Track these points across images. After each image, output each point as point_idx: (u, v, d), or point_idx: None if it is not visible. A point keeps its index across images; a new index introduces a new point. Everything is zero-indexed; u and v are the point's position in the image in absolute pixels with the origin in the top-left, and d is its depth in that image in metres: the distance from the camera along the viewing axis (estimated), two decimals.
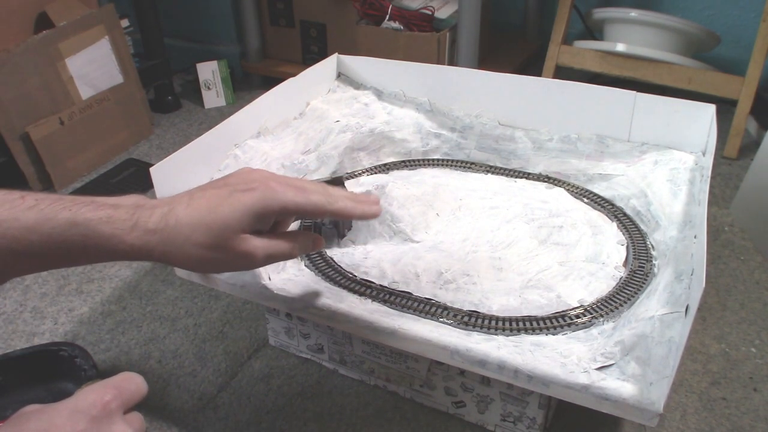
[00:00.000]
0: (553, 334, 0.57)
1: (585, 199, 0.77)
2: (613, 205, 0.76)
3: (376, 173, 0.85)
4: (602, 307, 0.59)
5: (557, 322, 0.58)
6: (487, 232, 0.71)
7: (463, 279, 0.64)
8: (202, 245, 0.46)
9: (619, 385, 0.49)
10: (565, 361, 0.52)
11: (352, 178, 0.83)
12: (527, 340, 0.56)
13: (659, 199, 0.71)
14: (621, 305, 0.59)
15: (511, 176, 0.84)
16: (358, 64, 0.95)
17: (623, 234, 0.70)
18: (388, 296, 0.61)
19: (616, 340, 0.53)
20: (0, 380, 0.67)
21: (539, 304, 0.60)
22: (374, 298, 0.61)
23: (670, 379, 0.47)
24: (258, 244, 0.48)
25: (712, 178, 0.66)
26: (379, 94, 0.93)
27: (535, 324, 0.58)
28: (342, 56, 0.96)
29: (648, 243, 0.68)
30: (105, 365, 0.75)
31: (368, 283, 0.63)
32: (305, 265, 0.67)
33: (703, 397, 0.68)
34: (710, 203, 0.96)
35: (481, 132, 0.87)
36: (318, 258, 0.68)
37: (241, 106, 0.79)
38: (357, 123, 0.86)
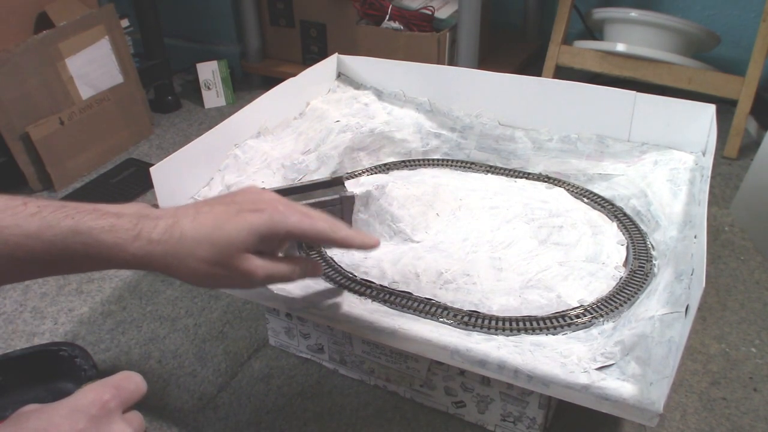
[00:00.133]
0: (553, 334, 0.57)
1: (585, 199, 0.77)
2: (613, 205, 0.76)
3: (376, 173, 0.85)
4: (602, 307, 0.59)
5: (557, 322, 0.58)
6: (487, 232, 0.71)
7: (463, 279, 0.64)
8: (205, 260, 0.46)
9: (619, 385, 0.49)
10: (565, 361, 0.52)
11: (352, 178, 0.83)
12: (527, 340, 0.56)
13: (659, 199, 0.71)
14: (621, 305, 0.59)
15: (511, 176, 0.84)
16: (358, 64, 0.95)
17: (623, 234, 0.70)
18: (388, 296, 0.61)
19: (616, 340, 0.53)
20: (0, 380, 0.67)
21: (539, 304, 0.60)
22: (374, 298, 0.61)
23: (670, 379, 0.47)
24: (259, 264, 0.48)
25: (712, 178, 0.66)
26: (379, 94, 0.93)
27: (535, 324, 0.58)
28: (342, 56, 0.96)
29: (648, 243, 0.68)
30: (105, 365, 0.75)
31: (368, 283, 0.63)
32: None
33: (703, 397, 0.68)
34: (710, 203, 0.96)
35: (481, 132, 0.87)
36: (318, 258, 0.68)
37: (241, 106, 0.79)
38: (357, 123, 0.86)
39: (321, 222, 0.51)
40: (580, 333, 0.57)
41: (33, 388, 0.68)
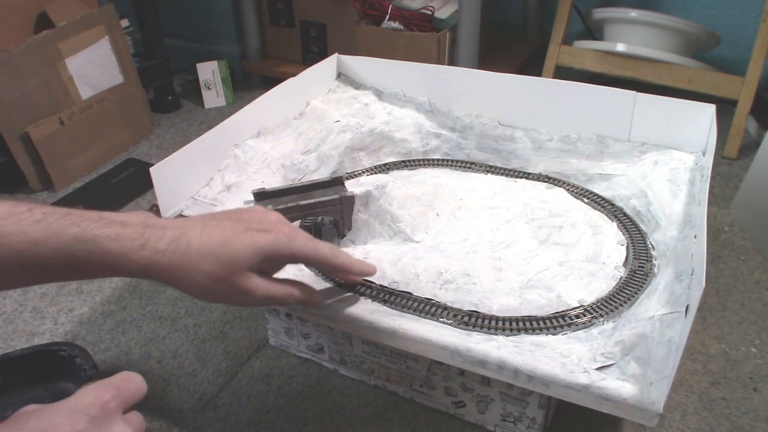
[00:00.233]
0: (553, 334, 0.57)
1: (585, 199, 0.77)
2: (613, 205, 0.76)
3: (376, 173, 0.85)
4: (602, 307, 0.59)
5: (557, 322, 0.58)
6: (487, 232, 0.71)
7: (463, 279, 0.64)
8: (209, 275, 0.47)
9: (619, 385, 0.49)
10: (565, 361, 0.52)
11: (352, 178, 0.83)
12: (527, 340, 0.56)
13: (659, 199, 0.71)
14: (621, 305, 0.59)
15: (511, 176, 0.84)
16: (358, 64, 0.95)
17: (623, 234, 0.70)
18: (388, 296, 0.61)
19: (616, 340, 0.53)
20: (0, 380, 0.67)
21: (539, 304, 0.60)
22: (374, 298, 0.61)
23: (670, 379, 0.47)
24: (260, 284, 0.49)
25: (712, 178, 0.66)
26: (379, 94, 0.93)
27: (535, 324, 0.58)
28: (342, 56, 0.96)
29: (648, 243, 0.68)
30: (105, 365, 0.75)
31: (368, 283, 0.63)
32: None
33: (703, 397, 0.68)
34: (710, 203, 0.96)
35: (481, 132, 0.87)
36: None
37: (241, 106, 0.79)
38: (357, 123, 0.86)
39: (324, 247, 0.53)
40: (580, 333, 0.57)
41: (33, 388, 0.68)
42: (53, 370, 0.69)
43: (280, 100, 0.85)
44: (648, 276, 0.63)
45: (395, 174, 0.85)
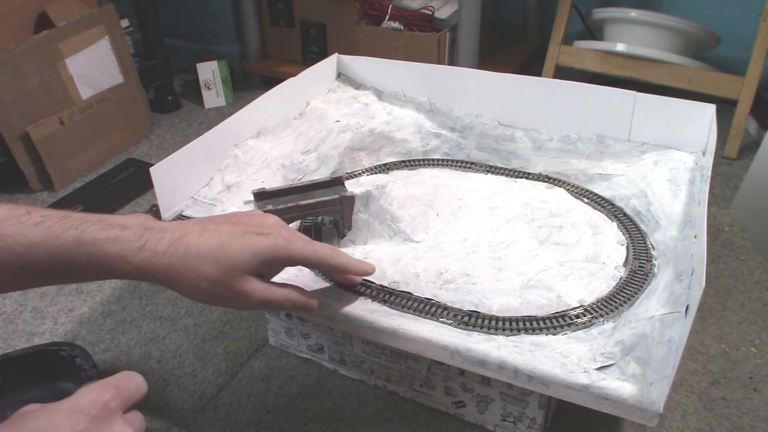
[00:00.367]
0: (553, 334, 0.57)
1: (585, 199, 0.77)
2: (613, 205, 0.76)
3: (376, 173, 0.85)
4: (602, 307, 0.59)
5: (557, 322, 0.58)
6: (487, 232, 0.71)
7: (463, 279, 0.64)
8: (207, 277, 0.47)
9: (619, 385, 0.49)
10: (565, 361, 0.52)
11: (352, 178, 0.83)
12: (527, 340, 0.56)
13: (659, 199, 0.71)
14: (621, 305, 0.59)
15: (511, 176, 0.84)
16: (358, 64, 0.95)
17: (623, 234, 0.70)
18: (387, 296, 0.61)
19: (616, 340, 0.53)
20: (0, 380, 0.67)
21: (539, 304, 0.60)
22: (374, 298, 0.61)
23: (670, 379, 0.47)
24: (257, 287, 0.49)
25: (712, 178, 0.66)
26: (379, 94, 0.93)
27: (535, 324, 0.58)
28: (342, 56, 0.96)
29: (648, 243, 0.68)
30: (105, 365, 0.75)
31: (368, 283, 0.63)
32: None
33: (703, 397, 0.68)
34: (710, 203, 0.96)
35: (481, 132, 0.87)
36: None
37: (241, 106, 0.79)
38: (357, 123, 0.86)
39: (322, 249, 0.53)
40: (580, 333, 0.57)
41: (33, 388, 0.68)
42: (53, 370, 0.69)
43: (280, 100, 0.85)
44: (648, 276, 0.63)
45: (395, 174, 0.85)
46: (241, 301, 0.49)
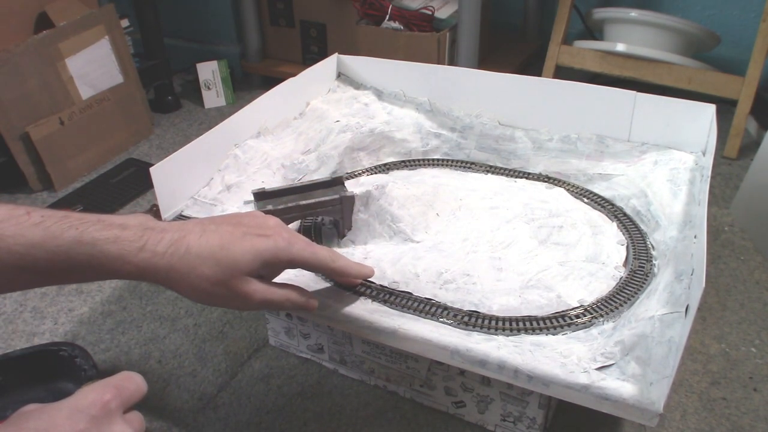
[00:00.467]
0: (553, 334, 0.57)
1: (585, 199, 0.77)
2: (613, 205, 0.76)
3: (376, 173, 0.85)
4: (602, 307, 0.59)
5: (557, 322, 0.58)
6: (487, 232, 0.71)
7: (463, 279, 0.64)
8: (207, 278, 0.47)
9: (619, 385, 0.49)
10: (565, 361, 0.52)
11: (352, 178, 0.83)
12: (527, 340, 0.56)
13: (659, 199, 0.71)
14: (621, 305, 0.59)
15: (511, 176, 0.84)
16: (358, 64, 0.95)
17: (623, 234, 0.70)
18: (388, 296, 0.61)
19: (616, 340, 0.53)
20: (0, 380, 0.67)
21: (539, 304, 0.60)
22: (374, 298, 0.61)
23: (670, 379, 0.47)
24: (257, 288, 0.49)
25: (712, 178, 0.66)
26: (379, 94, 0.93)
27: (535, 324, 0.58)
28: (342, 56, 0.96)
29: (648, 243, 0.68)
30: (105, 365, 0.75)
31: (368, 283, 0.63)
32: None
33: (703, 397, 0.68)
34: (710, 203, 0.96)
35: (481, 132, 0.87)
36: None
37: (241, 106, 0.79)
38: (357, 123, 0.86)
39: (322, 252, 0.53)
40: (580, 333, 0.57)
41: (33, 388, 0.68)
42: (53, 370, 0.69)
43: (280, 100, 0.85)
44: (648, 276, 0.63)
45: (395, 174, 0.85)
46: (242, 302, 0.49)
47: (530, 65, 1.43)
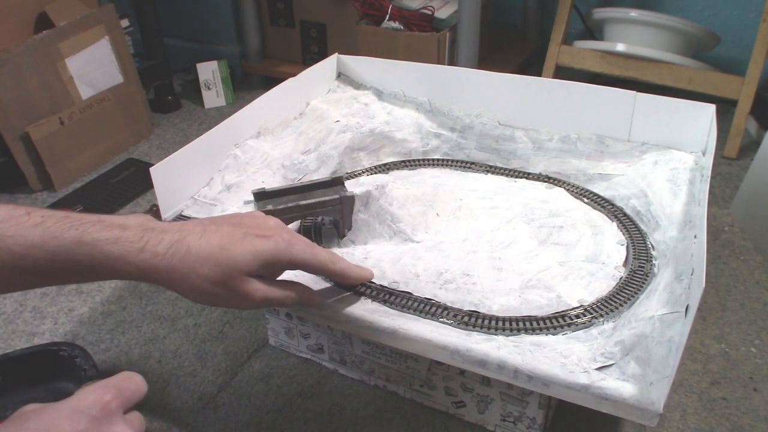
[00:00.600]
0: (553, 334, 0.57)
1: (585, 199, 0.77)
2: (613, 205, 0.76)
3: (376, 173, 0.85)
4: (602, 307, 0.59)
5: (557, 322, 0.58)
6: (487, 232, 0.71)
7: (463, 279, 0.64)
8: (207, 278, 0.47)
9: (619, 385, 0.49)
10: (565, 361, 0.52)
11: (352, 178, 0.83)
12: (527, 340, 0.56)
13: (659, 199, 0.71)
14: (621, 305, 0.59)
15: (511, 176, 0.84)
16: (358, 64, 0.95)
17: (623, 234, 0.70)
18: (387, 296, 0.61)
19: (616, 340, 0.53)
20: (0, 380, 0.67)
21: (539, 304, 0.60)
22: (374, 298, 0.61)
23: (670, 379, 0.47)
24: (258, 287, 0.49)
25: (712, 178, 0.66)
26: (379, 94, 0.93)
27: (535, 324, 0.58)
28: (342, 56, 0.96)
29: (648, 243, 0.68)
30: (105, 365, 0.75)
31: (368, 283, 0.63)
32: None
33: (703, 397, 0.68)
34: (710, 203, 0.96)
35: (481, 132, 0.87)
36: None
37: (241, 106, 0.79)
38: (357, 123, 0.86)
39: (322, 253, 0.53)
40: (580, 333, 0.57)
41: (33, 388, 0.68)
42: (53, 370, 0.69)
43: (280, 100, 0.85)
44: (648, 276, 0.63)
45: (395, 174, 0.85)
46: (242, 301, 0.49)
47: (530, 65, 1.43)
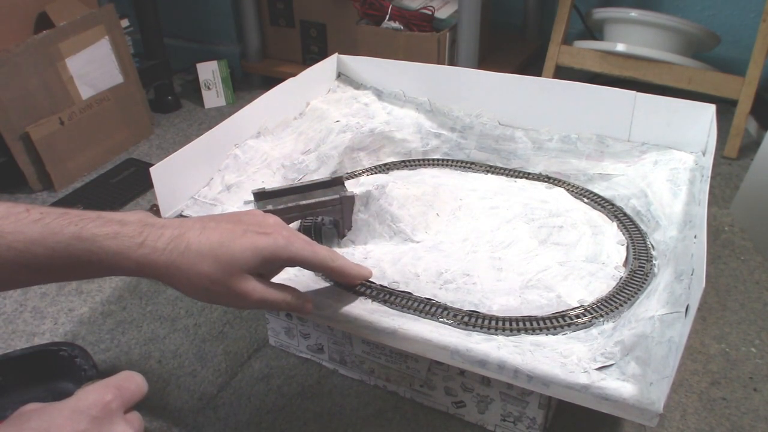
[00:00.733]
0: (553, 334, 0.57)
1: (585, 199, 0.77)
2: (613, 205, 0.76)
3: (376, 173, 0.85)
4: (602, 307, 0.59)
5: (557, 322, 0.58)
6: (487, 232, 0.71)
7: (463, 279, 0.64)
8: (206, 275, 0.47)
9: (619, 385, 0.49)
10: (565, 361, 0.52)
11: (352, 178, 0.83)
12: (527, 340, 0.56)
13: (659, 199, 0.71)
14: (621, 305, 0.59)
15: (511, 176, 0.84)
16: (358, 64, 0.95)
17: (623, 234, 0.70)
18: (388, 296, 0.61)
19: (616, 340, 0.53)
20: (0, 380, 0.67)
21: (539, 304, 0.60)
22: (374, 298, 0.61)
23: (670, 379, 0.47)
24: (256, 287, 0.49)
25: (712, 178, 0.66)
26: (379, 94, 0.93)
27: (535, 324, 0.58)
28: (342, 56, 0.96)
29: (648, 243, 0.68)
30: (105, 365, 0.75)
31: (368, 283, 0.63)
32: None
33: (703, 397, 0.68)
34: (710, 203, 0.96)
35: (481, 132, 0.87)
36: None
37: (241, 106, 0.79)
38: (357, 123, 0.86)
39: (322, 251, 0.53)
40: (580, 333, 0.57)
41: (33, 388, 0.68)
42: (53, 370, 0.69)
43: (280, 100, 0.85)
44: (648, 276, 0.63)
45: (395, 174, 0.85)
46: (239, 300, 0.49)
47: (530, 65, 1.44)
